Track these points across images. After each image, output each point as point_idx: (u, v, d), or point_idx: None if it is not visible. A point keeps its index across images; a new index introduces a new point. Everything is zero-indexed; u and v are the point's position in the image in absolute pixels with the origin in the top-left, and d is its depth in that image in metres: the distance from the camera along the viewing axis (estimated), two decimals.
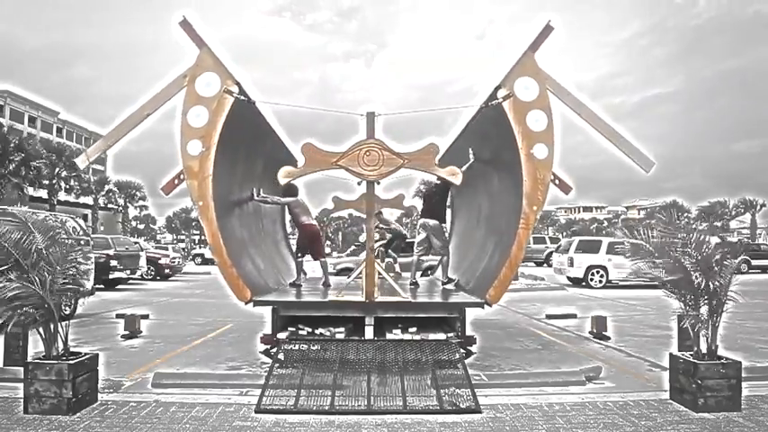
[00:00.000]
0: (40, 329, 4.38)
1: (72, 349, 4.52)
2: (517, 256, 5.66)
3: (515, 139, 5.54)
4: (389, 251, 11.40)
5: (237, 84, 5.62)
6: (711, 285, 4.35)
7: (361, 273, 5.98)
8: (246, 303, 5.72)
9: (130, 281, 17.85)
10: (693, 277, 4.35)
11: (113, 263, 15.94)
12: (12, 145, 33.31)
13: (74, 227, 10.94)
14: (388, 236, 11.08)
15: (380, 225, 10.54)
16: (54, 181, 37.93)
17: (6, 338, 5.33)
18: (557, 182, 5.81)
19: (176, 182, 5.71)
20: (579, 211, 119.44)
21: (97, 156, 5.99)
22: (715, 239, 4.53)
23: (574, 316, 9.90)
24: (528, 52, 5.61)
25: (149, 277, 19.99)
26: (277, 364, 5.07)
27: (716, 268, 4.39)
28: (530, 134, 5.52)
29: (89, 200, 46.34)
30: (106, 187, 48.42)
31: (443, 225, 7.77)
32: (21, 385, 4.32)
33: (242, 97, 5.69)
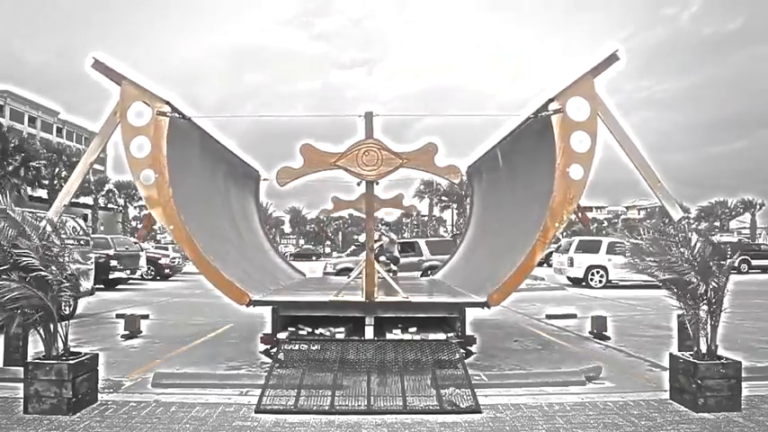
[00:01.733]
0: (40, 329, 4.38)
1: (72, 349, 4.52)
2: (528, 265, 5.67)
3: (555, 154, 5.53)
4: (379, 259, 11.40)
5: (167, 103, 5.64)
6: (709, 286, 4.35)
7: (360, 273, 5.98)
8: (248, 306, 5.72)
9: (130, 281, 17.85)
10: (691, 278, 4.36)
11: (113, 263, 15.95)
12: (12, 145, 33.34)
13: (74, 227, 10.94)
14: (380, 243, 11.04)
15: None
16: (54, 181, 37.96)
17: (6, 338, 5.34)
18: (579, 214, 5.83)
19: (148, 227, 5.80)
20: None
21: (58, 218, 5.82)
22: (715, 239, 4.55)
23: (574, 316, 9.90)
24: (588, 75, 5.63)
25: (149, 277, 19.99)
26: (277, 364, 5.07)
27: (713, 269, 4.39)
28: (570, 153, 5.52)
29: (89, 200, 46.37)
30: (106, 187, 48.46)
31: None
32: (21, 385, 4.32)
33: (176, 115, 5.74)
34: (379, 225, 11.51)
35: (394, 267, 10.87)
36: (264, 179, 9.83)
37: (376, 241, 10.18)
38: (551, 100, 5.63)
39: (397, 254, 11.29)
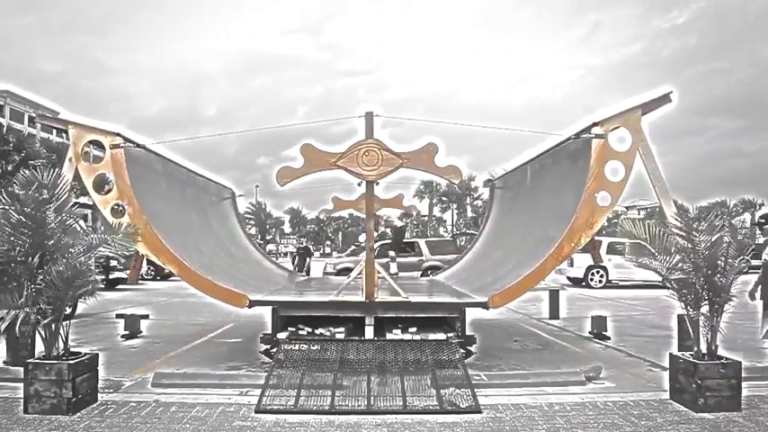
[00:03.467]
0: (41, 329, 4.38)
1: (72, 349, 4.52)
2: (536, 279, 5.71)
3: (586, 176, 5.56)
4: (390, 252, 11.39)
5: (118, 134, 5.71)
6: (715, 285, 4.35)
7: (360, 272, 5.98)
8: (250, 307, 5.72)
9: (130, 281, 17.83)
10: (696, 277, 4.36)
11: (113, 263, 15.93)
12: (11, 145, 33.30)
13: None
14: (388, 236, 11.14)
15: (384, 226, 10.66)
16: None
17: (10, 338, 5.35)
18: (593, 248, 5.80)
19: (137, 266, 5.91)
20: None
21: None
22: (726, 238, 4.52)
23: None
24: (637, 109, 5.68)
25: (149, 277, 19.97)
26: (277, 364, 5.07)
27: (721, 267, 4.39)
28: (602, 180, 5.57)
29: (89, 200, 46.31)
30: (106, 187, 48.42)
31: None
32: (21, 385, 4.33)
33: (130, 144, 5.82)
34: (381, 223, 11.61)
35: (395, 269, 10.88)
36: (240, 195, 10.29)
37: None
38: (595, 124, 5.65)
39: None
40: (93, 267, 4.68)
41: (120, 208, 5.57)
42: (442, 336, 5.78)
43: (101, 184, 5.79)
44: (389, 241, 11.39)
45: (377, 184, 5.93)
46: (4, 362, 5.47)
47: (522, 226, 7.95)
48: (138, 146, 6.04)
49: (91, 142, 5.80)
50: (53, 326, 4.35)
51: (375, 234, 8.18)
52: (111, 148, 5.59)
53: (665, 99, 5.74)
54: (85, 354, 4.54)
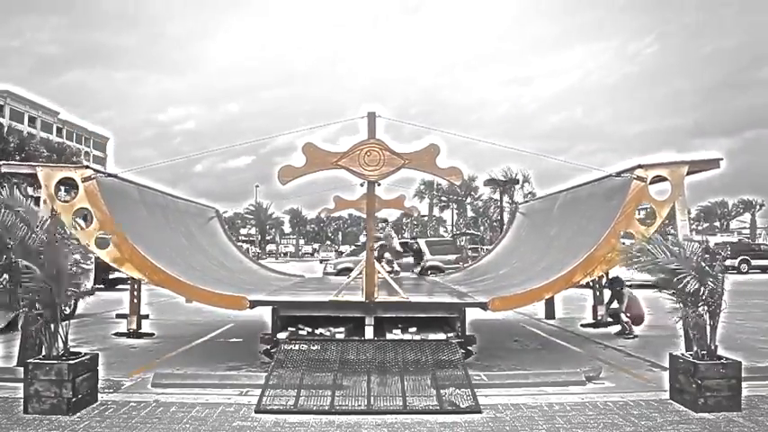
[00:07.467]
0: (41, 329, 4.38)
1: (72, 349, 4.52)
2: (541, 294, 5.76)
3: (617, 212, 5.57)
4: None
5: (87, 167, 5.75)
6: (706, 287, 4.35)
7: (360, 273, 5.98)
8: (251, 308, 5.73)
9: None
10: (688, 280, 4.36)
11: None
12: (12, 145, 33.34)
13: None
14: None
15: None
16: None
17: (23, 338, 5.36)
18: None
19: (135, 319, 6.51)
20: None
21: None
22: (714, 239, 4.55)
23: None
24: (684, 165, 5.71)
25: None
26: (277, 364, 5.07)
27: (708, 270, 4.39)
28: (630, 220, 5.60)
29: None
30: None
31: None
32: (21, 385, 4.32)
33: (102, 174, 5.85)
34: (379, 224, 11.62)
35: (397, 268, 10.87)
36: (224, 211, 10.47)
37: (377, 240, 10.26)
38: (640, 166, 5.68)
39: (398, 247, 11.29)
40: (77, 272, 4.67)
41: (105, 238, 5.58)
42: (441, 336, 5.78)
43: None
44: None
45: (378, 184, 5.93)
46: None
47: (539, 250, 7.97)
48: (110, 175, 6.09)
49: (61, 180, 5.74)
50: (53, 326, 4.35)
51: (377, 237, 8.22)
52: (83, 182, 5.58)
53: (713, 163, 5.81)
54: (85, 354, 4.54)
